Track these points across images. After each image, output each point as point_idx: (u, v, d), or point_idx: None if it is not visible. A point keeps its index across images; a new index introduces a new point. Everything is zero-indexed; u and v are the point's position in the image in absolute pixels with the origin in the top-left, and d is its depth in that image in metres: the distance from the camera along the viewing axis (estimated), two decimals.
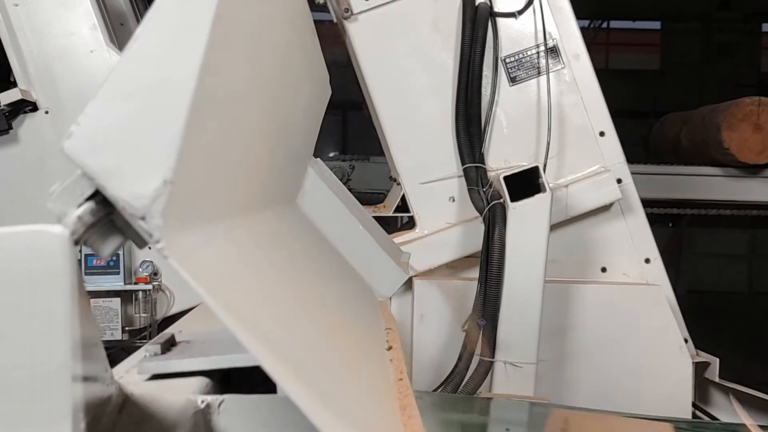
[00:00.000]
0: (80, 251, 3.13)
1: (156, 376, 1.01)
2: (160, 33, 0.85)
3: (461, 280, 3.44)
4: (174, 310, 3.43)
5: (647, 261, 3.50)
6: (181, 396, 0.91)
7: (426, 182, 3.52)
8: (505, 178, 3.16)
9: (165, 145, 0.82)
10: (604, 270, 3.53)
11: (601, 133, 3.47)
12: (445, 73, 3.48)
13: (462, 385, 3.11)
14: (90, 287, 3.20)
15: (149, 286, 3.39)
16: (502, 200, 3.17)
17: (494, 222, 3.16)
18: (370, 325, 1.73)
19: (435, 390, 3.14)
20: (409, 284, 3.47)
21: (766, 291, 11.02)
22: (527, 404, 2.61)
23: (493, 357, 3.13)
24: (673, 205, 5.44)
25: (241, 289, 0.93)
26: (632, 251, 3.51)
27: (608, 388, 3.36)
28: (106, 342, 3.02)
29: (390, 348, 1.65)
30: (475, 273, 3.35)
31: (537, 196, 3.14)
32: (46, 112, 3.53)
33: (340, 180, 5.41)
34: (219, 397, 0.90)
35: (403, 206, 3.63)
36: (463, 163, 3.42)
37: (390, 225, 3.77)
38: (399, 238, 3.52)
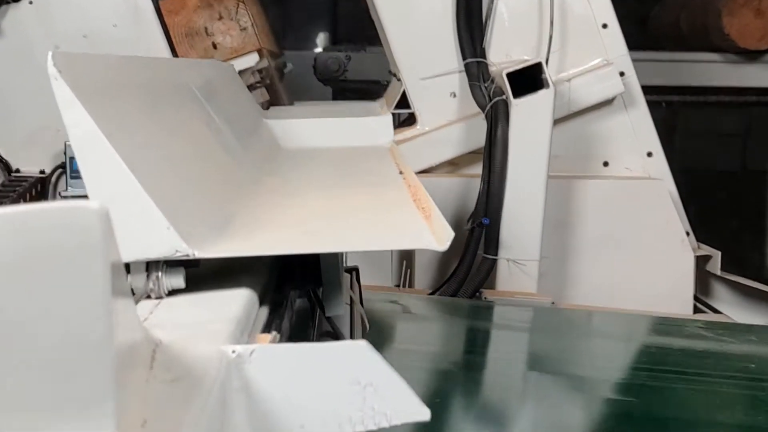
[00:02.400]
0: (65, 153, 3.05)
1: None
2: None
3: (463, 177, 3.44)
4: None
5: (649, 155, 3.49)
6: (212, 345, 0.90)
7: (426, 78, 3.47)
8: (508, 75, 3.11)
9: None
10: (606, 164, 3.52)
11: (604, 25, 3.42)
12: None
13: (465, 283, 3.11)
14: (78, 191, 3.02)
15: None
16: (504, 97, 3.13)
17: (497, 119, 3.14)
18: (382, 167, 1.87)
19: (439, 287, 3.15)
20: None
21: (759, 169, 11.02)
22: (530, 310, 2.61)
23: (496, 255, 3.14)
24: (672, 92, 5.38)
25: None
26: (634, 145, 3.50)
27: (609, 282, 3.39)
28: None
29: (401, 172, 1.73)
30: (477, 169, 3.35)
31: (540, 92, 3.11)
32: (30, 2, 3.46)
33: (336, 72, 5.39)
34: (249, 347, 0.88)
35: (403, 102, 3.58)
36: (464, 58, 3.37)
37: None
38: (399, 135, 3.49)
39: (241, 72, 3.12)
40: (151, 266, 1.01)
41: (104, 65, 1.17)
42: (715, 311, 3.38)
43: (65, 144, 3.01)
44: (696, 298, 3.40)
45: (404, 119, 3.64)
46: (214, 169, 1.41)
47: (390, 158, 2.00)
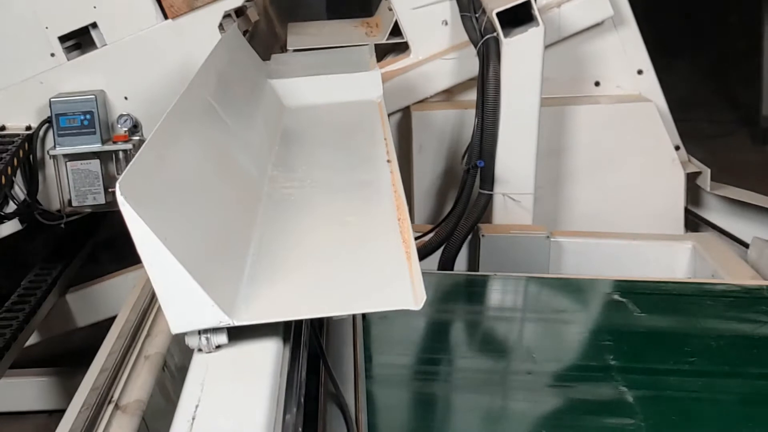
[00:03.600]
0: (50, 108, 3.05)
1: None
2: None
3: (458, 109, 3.54)
4: None
5: (640, 72, 3.59)
6: None
7: (418, 6, 3.53)
8: (498, 15, 3.18)
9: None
10: (597, 84, 3.62)
11: None
12: None
13: (463, 218, 3.28)
14: (66, 149, 3.06)
15: (129, 146, 3.11)
16: (495, 34, 3.20)
17: (488, 57, 3.22)
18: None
19: (439, 224, 3.31)
20: (407, 115, 3.58)
21: None
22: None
23: (492, 190, 3.29)
24: None
25: None
26: (625, 63, 3.59)
27: (603, 204, 3.55)
28: (89, 206, 3.11)
29: (389, 161, 2.18)
30: (471, 96, 3.45)
31: (530, 31, 3.19)
32: None
33: None
34: None
35: (395, 31, 3.66)
36: None
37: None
38: (394, 65, 3.60)
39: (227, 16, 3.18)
40: (202, 330, 1.42)
41: (154, 174, 1.50)
42: (708, 223, 3.55)
43: (50, 101, 3.03)
44: (688, 212, 3.57)
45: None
46: (240, 214, 1.80)
47: (380, 134, 2.42)
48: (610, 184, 3.55)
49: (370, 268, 1.59)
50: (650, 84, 3.58)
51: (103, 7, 3.08)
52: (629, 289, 2.66)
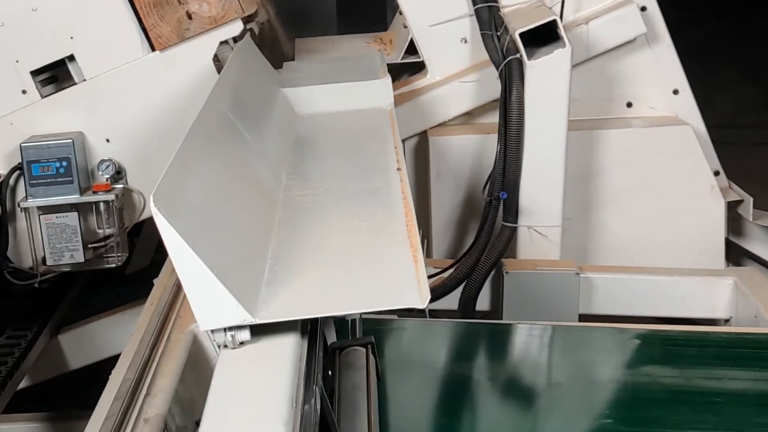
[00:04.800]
0: (21, 154, 2.82)
1: None
2: None
3: (479, 134, 3.40)
4: (146, 215, 3.00)
5: (675, 92, 3.43)
6: None
7: (435, 24, 3.39)
8: (521, 35, 3.04)
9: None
10: (629, 105, 3.47)
11: None
12: None
13: (486, 252, 3.13)
14: (39, 201, 2.81)
15: (111, 196, 2.87)
16: (518, 55, 3.06)
17: (511, 79, 3.08)
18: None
19: (460, 258, 3.16)
20: (424, 140, 3.43)
21: None
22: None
23: (516, 222, 3.14)
24: None
25: None
26: (659, 82, 3.43)
27: (636, 236, 3.40)
28: (66, 265, 2.85)
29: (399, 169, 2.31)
30: (492, 118, 3.31)
31: (556, 52, 3.05)
32: None
33: None
34: None
35: (411, 49, 3.52)
36: (474, 3, 3.28)
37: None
38: (409, 86, 3.48)
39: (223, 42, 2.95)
40: (227, 328, 1.59)
41: (182, 185, 1.71)
42: (751, 256, 3.39)
43: (21, 146, 2.79)
44: (729, 243, 3.41)
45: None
46: (259, 221, 1.99)
47: (391, 143, 2.56)
48: (644, 213, 3.40)
49: (379, 270, 1.76)
50: (687, 104, 3.42)
51: (82, 37, 2.83)
52: (669, 339, 2.50)
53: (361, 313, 2.00)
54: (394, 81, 3.27)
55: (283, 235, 1.96)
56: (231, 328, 1.59)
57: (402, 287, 1.65)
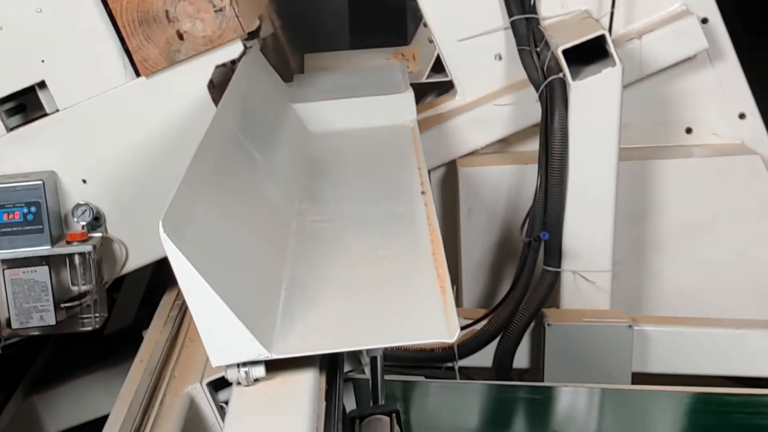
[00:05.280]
0: None
1: None
2: None
3: (516, 164, 3.40)
4: (129, 268, 2.89)
5: (742, 116, 3.42)
6: None
7: (465, 38, 3.38)
8: (564, 52, 3.02)
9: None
10: (689, 131, 3.46)
11: None
12: None
13: (525, 302, 3.11)
14: (4, 253, 2.67)
15: (88, 247, 2.72)
16: (561, 75, 3.04)
17: (553, 103, 3.09)
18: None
19: (495, 308, 3.14)
20: (453, 171, 3.42)
21: None
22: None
23: (559, 266, 3.13)
24: None
25: None
26: (723, 105, 3.42)
27: (697, 281, 3.39)
28: (35, 328, 2.71)
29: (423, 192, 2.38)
30: (531, 146, 3.31)
31: (605, 72, 3.04)
32: None
33: None
34: None
35: (438, 67, 3.51)
36: (509, 15, 3.27)
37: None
38: (436, 108, 3.50)
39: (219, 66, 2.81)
40: (241, 363, 1.65)
41: (191, 211, 1.75)
42: None
43: None
44: None
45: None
46: (272, 249, 2.06)
47: (413, 163, 2.63)
48: (707, 255, 3.38)
49: (403, 302, 1.82)
50: (755, 130, 3.41)
51: (54, 61, 2.70)
52: (739, 405, 2.47)
53: (383, 374, 2.02)
54: (418, 102, 3.30)
55: (297, 263, 2.03)
56: (245, 364, 1.65)
57: (429, 321, 1.70)
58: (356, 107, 3.08)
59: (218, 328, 1.59)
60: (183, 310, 2.83)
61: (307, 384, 1.69)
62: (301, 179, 2.59)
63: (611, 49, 3.02)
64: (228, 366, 1.66)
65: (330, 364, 1.85)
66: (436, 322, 1.67)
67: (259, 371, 1.66)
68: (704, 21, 3.30)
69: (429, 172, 3.26)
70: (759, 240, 3.35)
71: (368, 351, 2.02)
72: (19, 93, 2.75)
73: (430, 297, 1.78)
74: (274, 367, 1.68)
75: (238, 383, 1.68)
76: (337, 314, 1.80)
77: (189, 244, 1.58)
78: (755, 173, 3.31)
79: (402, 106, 3.06)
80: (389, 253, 2.05)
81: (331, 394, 1.80)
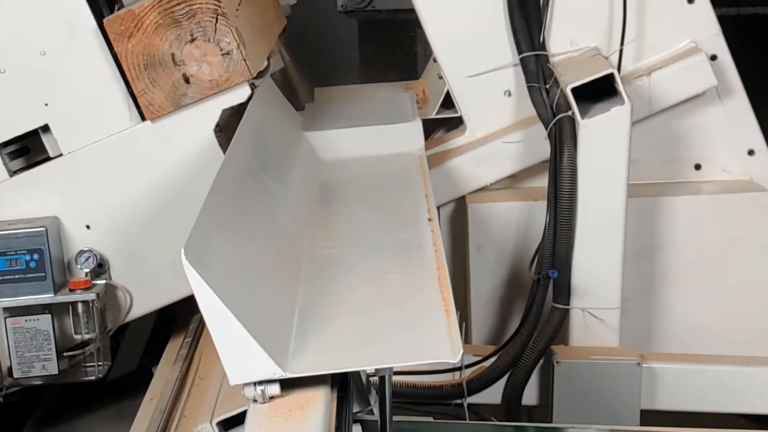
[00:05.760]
0: None
1: None
2: None
3: (525, 201, 3.40)
4: (133, 315, 2.88)
5: (751, 153, 3.41)
6: None
7: (475, 75, 3.39)
8: (574, 90, 3.03)
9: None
10: (698, 167, 3.45)
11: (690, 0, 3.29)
12: None
13: (534, 339, 3.12)
14: (5, 301, 2.64)
15: (91, 295, 2.69)
16: (570, 113, 3.05)
17: (562, 141, 3.08)
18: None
19: (504, 345, 3.15)
20: (462, 207, 3.44)
21: None
22: None
23: (568, 304, 3.14)
24: None
25: None
26: (732, 142, 3.41)
27: (707, 318, 3.38)
28: (37, 378, 2.70)
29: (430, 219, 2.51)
30: (540, 182, 3.32)
31: (614, 110, 3.04)
32: None
33: (360, 3, 5.26)
34: None
35: (447, 103, 3.53)
36: (519, 52, 3.28)
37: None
38: (446, 144, 3.51)
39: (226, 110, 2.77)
40: (257, 382, 1.76)
41: (211, 238, 1.88)
42: None
43: None
44: None
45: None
46: (285, 273, 2.18)
47: (421, 191, 2.76)
48: (716, 292, 3.38)
49: (410, 325, 1.94)
50: (764, 167, 3.41)
51: (58, 104, 2.69)
52: None
53: (391, 415, 2.06)
54: (427, 138, 3.30)
55: (310, 287, 2.15)
56: (261, 383, 1.75)
57: (433, 342, 1.82)
58: (366, 135, 3.20)
59: (236, 349, 1.70)
60: (192, 348, 2.85)
61: (319, 401, 1.78)
62: (313, 206, 2.71)
63: (620, 87, 3.02)
64: (245, 384, 1.76)
65: (341, 383, 1.95)
66: (440, 344, 1.79)
67: (274, 389, 1.76)
68: (713, 58, 3.30)
69: (438, 208, 3.28)
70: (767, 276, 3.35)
71: (377, 370, 2.05)
72: (23, 136, 2.74)
73: (435, 320, 1.89)
74: (289, 385, 1.78)
75: (255, 400, 1.77)
76: (347, 336, 1.91)
77: (209, 271, 1.67)
78: (764, 210, 3.32)
79: (410, 135, 3.19)
80: (397, 277, 2.17)
81: (341, 414, 1.89)
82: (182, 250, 1.62)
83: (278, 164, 2.71)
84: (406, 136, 3.19)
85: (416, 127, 3.21)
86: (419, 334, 1.88)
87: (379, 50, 5.35)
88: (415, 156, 3.12)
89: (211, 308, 1.68)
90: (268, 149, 2.69)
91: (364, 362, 1.87)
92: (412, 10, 3.46)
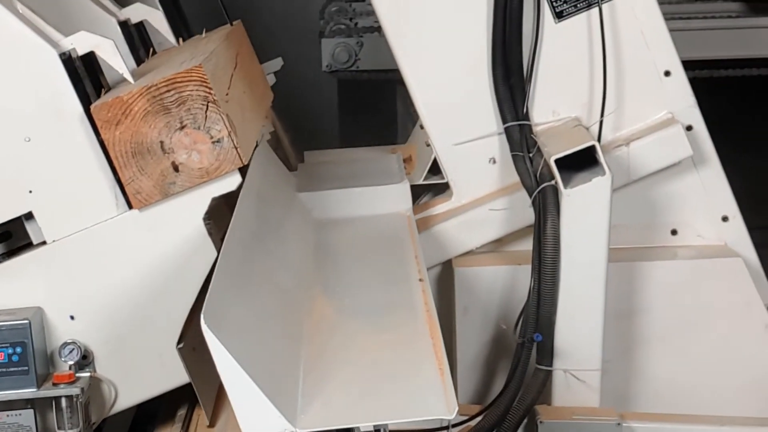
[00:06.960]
0: None
1: None
2: None
3: (510, 265, 3.51)
4: (118, 408, 2.78)
5: (725, 219, 3.54)
6: None
7: (461, 143, 3.52)
8: (557, 161, 3.15)
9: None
10: (674, 233, 3.58)
11: (666, 73, 3.45)
12: (480, 12, 3.42)
13: (518, 399, 3.22)
14: None
15: (75, 390, 2.58)
16: (553, 182, 3.17)
17: (546, 209, 3.20)
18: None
19: (490, 404, 3.25)
20: (449, 271, 3.55)
21: None
22: None
23: (551, 365, 3.25)
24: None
25: None
26: (707, 208, 3.55)
27: (683, 379, 3.48)
28: None
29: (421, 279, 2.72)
30: (524, 245, 3.44)
31: (595, 181, 3.16)
32: None
33: (345, 62, 5.37)
34: None
35: (434, 169, 3.64)
36: (504, 122, 3.42)
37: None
38: (432, 209, 3.59)
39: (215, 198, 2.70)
40: None
41: (226, 303, 2.05)
42: None
43: None
44: None
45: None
46: (289, 333, 2.33)
47: (411, 251, 2.96)
48: (691, 355, 3.48)
49: (406, 383, 2.11)
50: (737, 233, 3.54)
51: (42, 192, 2.62)
52: None
53: None
54: (415, 203, 3.41)
55: (312, 346, 2.31)
56: None
57: (429, 399, 1.99)
58: (356, 197, 3.41)
59: (251, 406, 1.86)
60: None
61: None
62: (310, 265, 2.90)
63: (601, 159, 3.14)
64: None
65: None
66: (435, 400, 1.96)
67: None
68: (689, 128, 3.44)
69: (427, 270, 3.38)
70: (743, 338, 3.45)
71: (374, 427, 2.09)
72: (5, 222, 2.67)
73: (429, 377, 2.07)
74: None
75: None
76: (348, 393, 2.08)
77: (225, 334, 1.84)
78: (738, 275, 3.42)
79: (398, 196, 3.42)
80: (392, 338, 2.37)
81: None
82: (201, 316, 1.81)
83: (277, 224, 2.91)
84: (395, 198, 3.40)
85: (404, 189, 3.43)
86: (415, 391, 2.05)
87: (361, 109, 5.45)
88: (403, 216, 3.31)
89: (228, 369, 1.84)
90: (267, 210, 2.90)
91: (365, 419, 1.98)
92: (396, 70, 3.58)
